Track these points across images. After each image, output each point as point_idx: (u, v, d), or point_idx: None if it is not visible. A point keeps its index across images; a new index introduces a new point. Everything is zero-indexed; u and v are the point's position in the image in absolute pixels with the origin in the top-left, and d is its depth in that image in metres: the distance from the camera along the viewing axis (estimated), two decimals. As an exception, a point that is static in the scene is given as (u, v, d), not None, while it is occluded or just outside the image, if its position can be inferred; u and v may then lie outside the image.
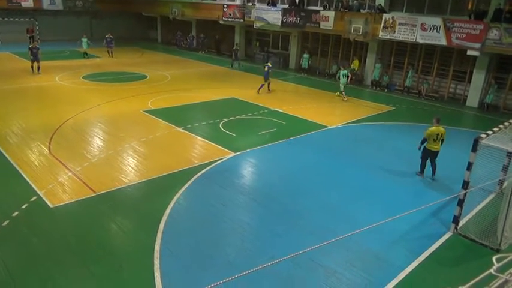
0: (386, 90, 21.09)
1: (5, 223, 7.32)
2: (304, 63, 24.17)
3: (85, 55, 27.15)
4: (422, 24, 18.63)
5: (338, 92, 18.56)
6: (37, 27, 34.27)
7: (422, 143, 9.89)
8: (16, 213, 7.66)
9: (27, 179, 9.00)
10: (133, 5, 37.42)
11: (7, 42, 31.69)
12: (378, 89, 21.39)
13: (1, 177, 9.12)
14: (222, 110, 15.39)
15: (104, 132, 12.49)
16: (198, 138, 12.14)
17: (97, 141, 11.63)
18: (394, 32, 19.57)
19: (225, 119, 14.10)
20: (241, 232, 7.40)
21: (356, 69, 22.44)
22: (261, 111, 15.35)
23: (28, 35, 32.14)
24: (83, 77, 20.35)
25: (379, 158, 11.26)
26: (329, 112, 15.98)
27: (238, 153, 11.09)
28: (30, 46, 21.04)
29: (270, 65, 18.87)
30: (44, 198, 8.23)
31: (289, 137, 12.58)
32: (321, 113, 15.68)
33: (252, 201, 8.57)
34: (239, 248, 6.89)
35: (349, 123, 14.57)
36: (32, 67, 20.77)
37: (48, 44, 33.36)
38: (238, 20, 27.74)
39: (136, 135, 12.21)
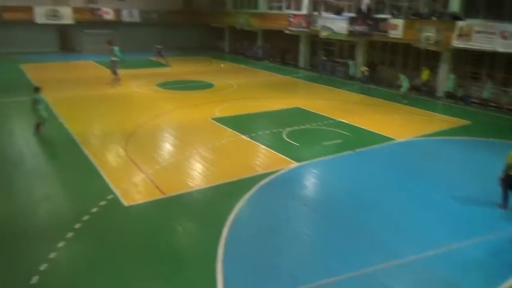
0: (461, 103, 19.79)
1: (85, 218, 8.02)
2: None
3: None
4: (502, 32, 17.26)
5: (403, 99, 18.01)
6: (117, 38, 37.19)
7: (506, 171, 8.62)
8: (95, 209, 8.36)
9: (106, 178, 9.78)
10: (202, 17, 39.16)
11: (90, 51, 34.70)
12: (451, 101, 20.15)
13: (84, 175, 10.02)
14: (286, 119, 15.43)
15: (174, 137, 13.16)
16: (262, 146, 12.30)
17: (167, 146, 12.29)
18: (470, 40, 18.35)
19: (289, 129, 14.15)
20: (302, 244, 7.37)
21: (426, 79, 21.37)
22: (325, 122, 15.18)
23: (108, 46, 34.91)
24: (156, 85, 21.66)
25: (451, 176, 10.59)
26: (397, 124, 15.37)
27: (301, 163, 11.07)
28: (114, 59, 22.20)
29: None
30: (119, 197, 8.88)
31: (355, 149, 12.30)
32: (388, 125, 15.14)
33: (315, 213, 8.51)
34: (300, 260, 6.87)
35: (420, 137, 13.89)
36: (114, 79, 21.65)
37: (126, 53, 35.99)
38: (304, 29, 27.79)
39: (203, 141, 12.69)
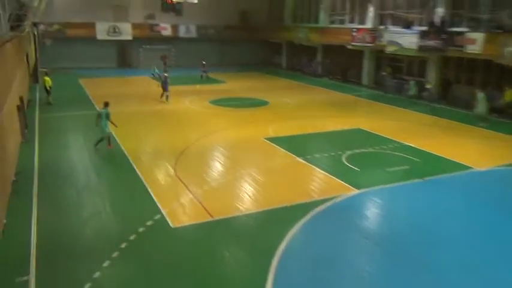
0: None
1: (131, 237, 8.23)
2: (413, 90, 23.42)
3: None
4: None
5: (480, 121, 17.26)
6: (173, 54, 39.10)
7: None
8: (141, 229, 8.56)
9: (154, 197, 10.05)
10: (259, 32, 40.09)
11: (147, 67, 36.67)
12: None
13: (132, 193, 10.38)
14: (345, 142, 15.12)
15: (225, 157, 13.32)
16: (318, 170, 12.04)
17: (218, 166, 12.44)
18: None
19: (349, 152, 13.77)
20: (361, 282, 6.96)
21: (510, 100, 19.86)
22: (390, 145, 14.59)
23: (163, 61, 36.72)
24: (210, 102, 22.28)
25: (544, 213, 9.55)
26: (475, 150, 14.35)
27: (362, 190, 10.64)
28: (166, 75, 22.90)
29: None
30: (166, 218, 9.04)
31: (424, 177, 11.61)
32: (464, 150, 14.18)
33: (377, 248, 8.04)
34: (359, 300, 6.46)
35: (503, 166, 12.82)
36: (161, 95, 22.35)
37: (183, 68, 37.68)
38: (368, 44, 27.31)
39: (255, 162, 12.71)
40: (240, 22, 41.11)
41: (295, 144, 14.63)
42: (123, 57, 38.07)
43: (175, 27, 38.18)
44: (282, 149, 14.02)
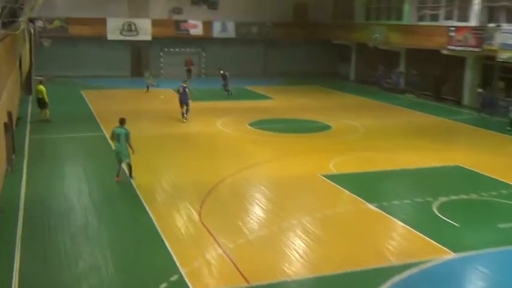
0: None
1: (139, 304, 8.33)
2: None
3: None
4: None
5: None
6: (203, 59, 40.27)
7: None
8: (153, 293, 8.66)
9: (170, 250, 10.16)
10: (320, 31, 40.60)
11: (171, 76, 37.85)
12: None
13: (143, 243, 10.56)
14: (438, 184, 14.77)
15: (268, 199, 13.32)
16: (398, 222, 11.77)
17: (258, 211, 12.45)
18: None
19: (443, 198, 13.38)
20: None
21: None
22: (503, 191, 14.08)
23: (186, 68, 37.80)
24: (249, 124, 22.58)
25: None
26: None
27: (461, 254, 10.25)
28: (184, 85, 23.28)
29: None
30: (186, 280, 9.08)
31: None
32: None
33: None
34: None
35: None
36: (183, 114, 22.86)
37: (214, 79, 38.53)
38: (472, 48, 26.83)
39: (309, 208, 12.61)
40: (294, 18, 41.86)
41: (365, 185, 14.43)
42: (139, 63, 39.68)
43: (207, 25, 39.55)
44: (346, 191, 13.86)
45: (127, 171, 14.45)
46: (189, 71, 37.55)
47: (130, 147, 14.22)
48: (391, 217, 12.13)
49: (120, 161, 14.32)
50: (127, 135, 14.05)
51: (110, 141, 17.40)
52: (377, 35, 34.14)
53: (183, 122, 22.58)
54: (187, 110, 22.94)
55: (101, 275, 9.24)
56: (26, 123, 21.55)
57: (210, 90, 33.31)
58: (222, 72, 31.66)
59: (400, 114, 26.34)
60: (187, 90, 23.12)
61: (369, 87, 35.64)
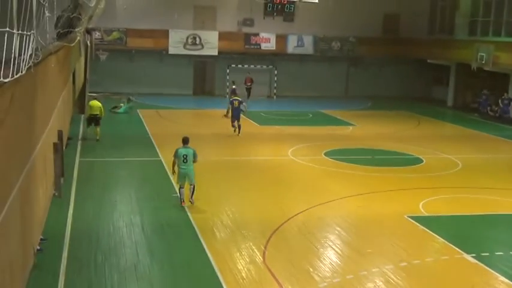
0: None
1: None
2: None
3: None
4: None
5: None
6: (275, 78, 40.75)
7: None
8: None
9: (229, 296, 10.31)
10: (413, 48, 40.27)
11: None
12: None
13: (199, 286, 10.77)
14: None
15: (344, 242, 13.24)
16: (500, 277, 11.37)
17: (331, 256, 12.39)
18: None
19: (558, 252, 12.83)
20: None
21: None
22: None
23: (245, 86, 38.38)
24: (325, 153, 22.61)
25: None
26: None
27: None
28: (240, 99, 25.69)
29: None
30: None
31: None
32: None
33: None
34: None
35: None
36: (233, 126, 25.16)
37: (287, 102, 38.97)
38: None
39: (392, 255, 12.43)
40: (383, 32, 41.78)
41: (461, 231, 14.19)
42: (203, 80, 40.79)
43: (282, 39, 40.22)
44: (438, 237, 13.57)
45: (189, 194, 15.30)
46: (248, 89, 38.10)
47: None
48: (493, 271, 11.73)
49: (183, 185, 15.21)
50: (195, 155, 15.06)
51: (167, 167, 18.05)
52: (482, 54, 33.39)
53: (237, 135, 24.37)
54: (239, 126, 25.33)
55: (150, 319, 9.49)
56: (77, 144, 22.57)
57: (281, 113, 33.67)
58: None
59: (507, 148, 25.48)
60: (242, 104, 25.77)
61: (469, 115, 34.76)
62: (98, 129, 23.22)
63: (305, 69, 41.07)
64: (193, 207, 15.15)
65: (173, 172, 15.50)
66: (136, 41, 38.18)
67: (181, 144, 15.30)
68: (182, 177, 15.17)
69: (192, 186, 15.27)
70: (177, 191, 15.54)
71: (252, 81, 38.93)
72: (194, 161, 15.10)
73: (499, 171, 20.81)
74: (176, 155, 15.16)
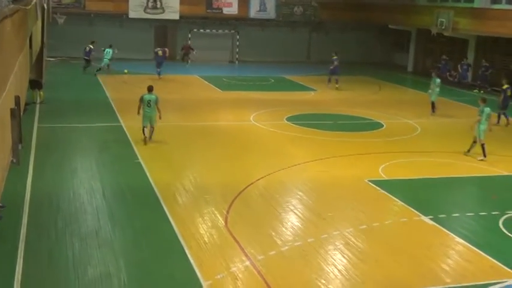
0: None
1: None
2: None
3: (98, 70, 31.73)
4: None
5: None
6: (237, 43, 40.47)
7: None
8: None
9: (191, 260, 10.33)
10: (374, 13, 40.49)
11: (199, 61, 38.19)
12: None
13: (161, 251, 10.75)
14: (507, 195, 14.59)
15: (306, 206, 13.37)
16: (457, 239, 11.68)
17: (293, 219, 12.51)
18: None
19: (511, 213, 13.19)
20: None
21: None
22: None
23: (182, 52, 37.55)
24: (287, 119, 22.65)
25: None
26: None
27: (532, 279, 10.10)
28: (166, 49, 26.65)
29: None
30: (208, 294, 9.25)
31: None
32: None
33: None
34: None
35: None
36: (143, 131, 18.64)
37: (248, 67, 38.76)
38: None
39: (352, 218, 12.62)
40: (345, -3, 41.74)
41: (420, 194, 14.39)
42: (164, 45, 40.12)
43: (244, 3, 39.88)
44: (397, 200, 13.82)
45: (148, 134, 17.77)
46: (185, 54, 37.09)
47: (159, 112, 17.74)
48: (449, 232, 12.04)
49: (146, 125, 17.72)
50: (157, 100, 17.74)
51: (128, 133, 17.95)
52: (442, 20, 33.66)
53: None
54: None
55: (113, 286, 9.46)
56: (35, 110, 22.11)
57: (243, 79, 33.55)
58: (335, 57, 31.47)
59: (465, 113, 25.85)
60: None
61: (429, 81, 35.05)
62: (41, 92, 23.01)
63: (267, 34, 40.89)
64: (157, 173, 15.07)
65: (138, 113, 17.88)
66: (95, 4, 37.40)
67: (147, 92, 17.85)
68: (146, 119, 17.70)
69: (152, 128, 17.81)
70: (141, 131, 17.83)
71: (190, 48, 37.82)
72: (156, 106, 17.64)
73: (455, 135, 21.15)
74: (141, 100, 17.76)
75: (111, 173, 15.27)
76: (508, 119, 23.18)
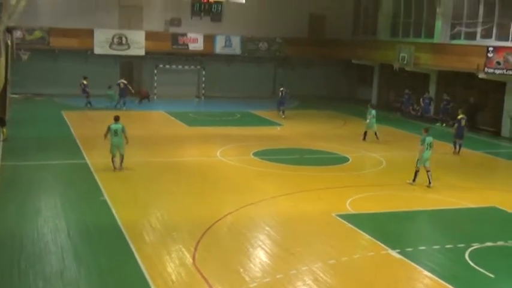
0: None
1: None
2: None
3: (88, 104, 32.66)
4: None
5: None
6: (203, 78, 40.62)
7: None
8: None
9: (159, 300, 10.19)
10: (338, 49, 41.08)
11: (165, 97, 38.22)
12: None
13: (126, 291, 10.58)
14: (472, 228, 14.82)
15: (273, 241, 13.34)
16: (424, 272, 11.74)
17: (261, 255, 12.46)
18: None
19: (477, 245, 13.36)
20: None
21: None
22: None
23: (139, 99, 36.33)
24: (254, 154, 22.69)
25: None
26: None
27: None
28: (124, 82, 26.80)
29: None
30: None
31: None
32: None
33: None
34: None
35: None
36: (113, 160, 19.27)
37: (215, 102, 38.88)
38: (514, 72, 27.04)
39: (321, 253, 12.62)
40: (309, 33, 42.50)
41: (386, 228, 14.49)
42: (130, 81, 40.03)
43: (209, 39, 40.06)
44: (364, 234, 13.88)
45: (118, 162, 18.67)
46: (142, 99, 36.53)
47: (126, 140, 18.68)
48: (416, 265, 12.10)
49: (115, 155, 18.56)
50: (123, 129, 18.57)
51: (93, 170, 17.83)
52: (404, 55, 34.40)
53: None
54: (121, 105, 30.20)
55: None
56: (-2, 147, 21.74)
57: (209, 114, 33.65)
58: (282, 89, 33.22)
59: (429, 146, 26.39)
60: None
61: (392, 114, 35.75)
62: (4, 129, 22.62)
63: (233, 69, 41.14)
64: (123, 210, 14.89)
65: (104, 138, 18.77)
66: (60, 41, 37.12)
67: (113, 122, 18.72)
68: (114, 148, 18.53)
69: (121, 156, 18.64)
70: (111, 160, 18.65)
71: (147, 94, 37.36)
72: (124, 135, 18.51)
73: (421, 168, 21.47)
74: (108, 129, 18.53)
75: (76, 211, 14.99)
76: (460, 149, 23.77)
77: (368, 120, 26.27)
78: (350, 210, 15.86)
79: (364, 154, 23.61)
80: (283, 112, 32.67)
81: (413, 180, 18.47)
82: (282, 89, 32.88)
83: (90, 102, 32.75)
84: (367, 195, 17.45)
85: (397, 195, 17.69)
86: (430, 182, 18.26)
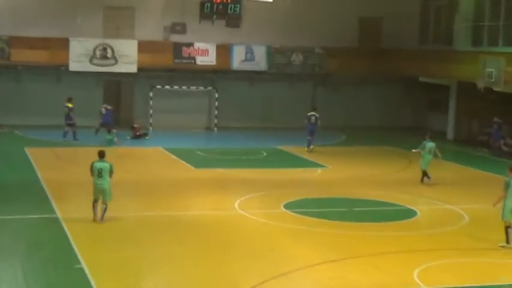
0: None
1: None
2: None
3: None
4: None
5: None
6: (216, 103, 40.64)
7: None
8: None
9: None
10: (400, 62, 40.95)
11: (164, 128, 38.26)
12: None
13: None
14: None
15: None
16: None
17: None
18: None
19: None
20: None
21: None
22: None
23: (131, 135, 36.51)
24: (284, 206, 22.61)
25: None
26: None
27: None
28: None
29: None
30: None
31: None
32: None
33: None
34: None
35: None
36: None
37: (232, 135, 38.88)
38: None
39: None
40: (359, 42, 42.51)
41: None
42: (117, 107, 40.14)
43: (224, 51, 40.24)
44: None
45: (100, 213, 18.77)
46: (139, 136, 36.26)
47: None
48: None
49: (97, 199, 18.77)
50: (111, 169, 18.86)
51: (66, 227, 17.91)
52: (490, 70, 34.13)
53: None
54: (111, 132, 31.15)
55: None
56: None
57: (225, 151, 33.70)
58: (312, 113, 33.67)
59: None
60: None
61: (477, 151, 35.45)
62: None
63: (256, 91, 41.15)
64: (109, 283, 14.86)
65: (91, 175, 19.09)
66: (24, 54, 37.38)
67: (98, 159, 19.09)
68: (97, 191, 18.82)
69: (104, 206, 18.68)
70: (91, 206, 18.78)
71: (139, 130, 37.19)
72: (110, 176, 18.75)
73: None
74: (92, 168, 18.88)
75: (43, 284, 14.98)
76: None
77: (423, 157, 26.83)
78: (420, 284, 15.58)
79: (437, 206, 23.34)
80: (308, 145, 33.07)
81: (507, 241, 18.12)
82: (312, 113, 33.11)
83: (74, 134, 33.45)
84: (444, 262, 17.14)
85: (484, 263, 17.37)
86: (508, 242, 17.97)
